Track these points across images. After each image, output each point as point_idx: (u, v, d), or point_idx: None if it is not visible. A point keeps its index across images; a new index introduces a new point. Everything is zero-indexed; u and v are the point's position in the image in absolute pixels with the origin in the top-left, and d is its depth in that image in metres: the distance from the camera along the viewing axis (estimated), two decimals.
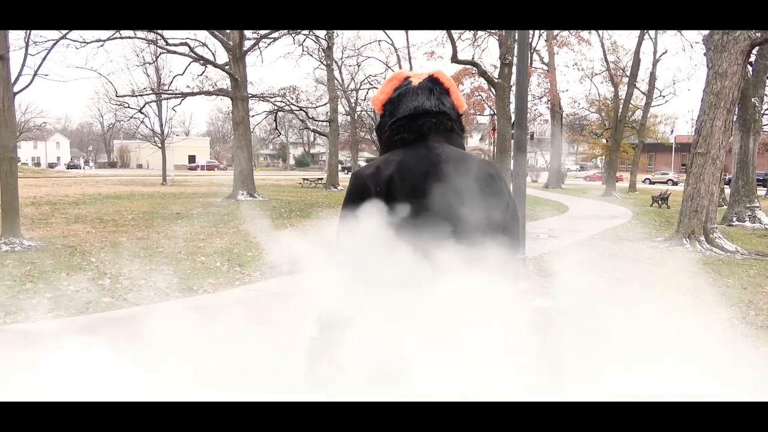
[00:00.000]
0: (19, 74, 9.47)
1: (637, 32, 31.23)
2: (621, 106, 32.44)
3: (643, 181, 48.19)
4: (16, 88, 9.55)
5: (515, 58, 23.46)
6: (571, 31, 28.21)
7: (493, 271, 1.79)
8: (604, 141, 44.17)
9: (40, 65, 9.79)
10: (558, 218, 16.58)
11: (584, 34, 28.45)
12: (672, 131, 57.10)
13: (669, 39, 39.98)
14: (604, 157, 47.81)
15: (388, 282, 1.70)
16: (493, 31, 27.28)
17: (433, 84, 2.03)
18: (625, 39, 34.89)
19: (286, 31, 24.31)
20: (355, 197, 1.88)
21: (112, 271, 7.57)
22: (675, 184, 44.29)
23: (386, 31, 51.33)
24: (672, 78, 36.62)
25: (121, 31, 19.23)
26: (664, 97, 37.51)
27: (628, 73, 32.91)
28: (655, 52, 33.39)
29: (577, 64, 36.20)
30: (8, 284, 6.68)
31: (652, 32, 31.61)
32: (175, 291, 6.51)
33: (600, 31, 31.02)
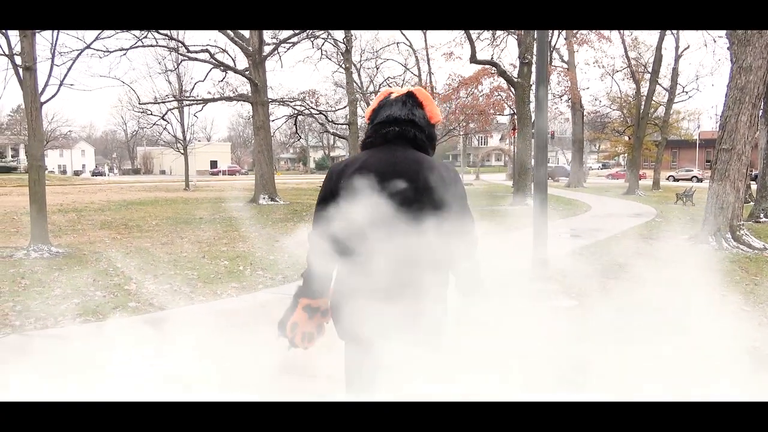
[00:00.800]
0: (46, 84, 9.66)
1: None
2: (643, 102, 32.05)
3: (667, 179, 47.53)
4: (43, 98, 9.74)
5: (535, 57, 23.31)
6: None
7: (455, 256, 2.22)
8: (626, 138, 43.67)
9: (66, 75, 10.00)
10: (580, 217, 16.43)
11: (605, 31, 28.17)
12: (698, 126, 56.35)
13: (691, 34, 39.33)
14: (626, 154, 47.30)
15: (351, 257, 2.16)
16: (512, 30, 27.15)
17: (408, 98, 2.36)
18: (647, 35, 34.43)
19: (305, 35, 24.47)
20: (325, 187, 2.31)
21: (137, 276, 7.68)
22: (700, 180, 43.64)
23: (404, 32, 51.34)
24: (695, 73, 36.11)
25: (143, 40, 19.52)
26: (687, 93, 36.95)
27: (649, 70, 32.50)
28: (677, 48, 32.95)
29: (597, 61, 36.01)
30: (38, 290, 6.82)
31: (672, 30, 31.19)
32: (199, 295, 6.59)
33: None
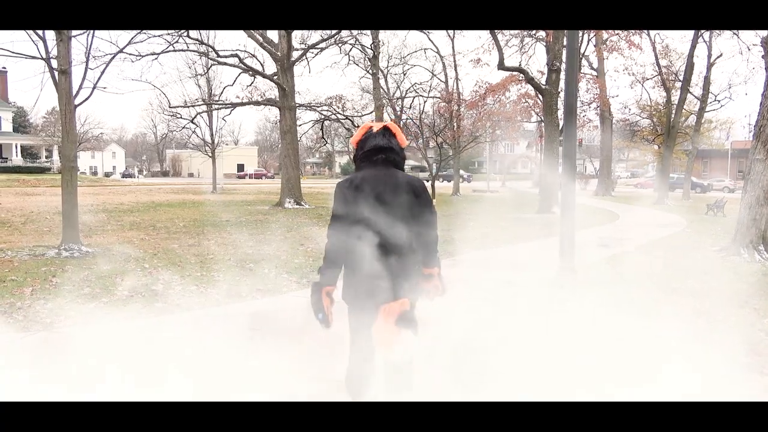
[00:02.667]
0: (80, 87, 9.88)
1: (690, 35, 30.41)
2: (674, 111, 31.54)
3: (696, 190, 46.63)
4: (76, 101, 9.96)
5: (563, 64, 23.10)
6: (622, 35, 27.66)
7: (421, 242, 3.24)
8: (655, 147, 42.98)
9: (99, 78, 10.22)
10: (608, 227, 16.20)
11: (635, 38, 27.84)
12: (728, 137, 55.20)
13: (724, 42, 38.68)
14: (655, 163, 46.53)
15: (352, 237, 3.08)
16: (540, 37, 26.99)
17: (385, 131, 3.33)
18: (678, 43, 33.94)
19: (332, 41, 24.64)
20: (337, 197, 3.22)
21: (164, 277, 7.79)
22: (731, 191, 42.72)
23: (432, 39, 51.14)
24: (728, 82, 35.33)
25: (175, 44, 19.83)
26: (719, 101, 36.25)
27: (680, 78, 31.98)
28: (709, 56, 32.37)
29: (627, 68, 35.47)
30: (67, 289, 6.95)
31: (706, 35, 30.69)
32: (225, 297, 6.64)
33: (652, 35, 30.35)
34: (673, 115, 31.55)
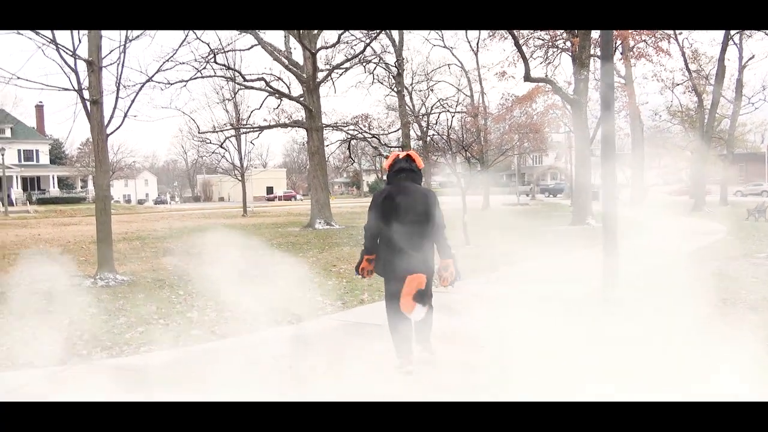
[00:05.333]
0: (111, 116, 10.00)
1: (719, 39, 29.81)
2: (707, 116, 30.84)
3: (735, 194, 45.43)
4: (108, 130, 10.08)
5: (591, 74, 22.76)
6: (649, 42, 27.22)
7: (435, 237, 4.59)
8: (688, 153, 42.08)
9: (130, 107, 10.32)
10: (646, 236, 15.74)
11: (663, 44, 27.35)
12: (762, 139, 53.80)
13: (756, 43, 37.83)
14: (689, 170, 45.52)
15: (388, 235, 4.50)
16: (566, 47, 26.71)
17: (407, 157, 4.74)
18: (707, 47, 33.29)
19: (357, 60, 24.76)
20: (372, 205, 4.65)
21: (199, 303, 7.74)
22: None
23: (455, 54, 51.18)
24: (761, 84, 34.52)
25: (202, 71, 20.13)
26: (753, 104, 35.39)
27: (711, 82, 31.32)
28: (740, 58, 31.71)
29: (656, 75, 34.81)
30: (103, 318, 6.94)
31: (736, 38, 30.07)
32: (260, 323, 6.54)
33: (680, 40, 29.83)
34: (706, 120, 30.84)
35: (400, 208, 4.46)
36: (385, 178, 4.93)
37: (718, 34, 30.12)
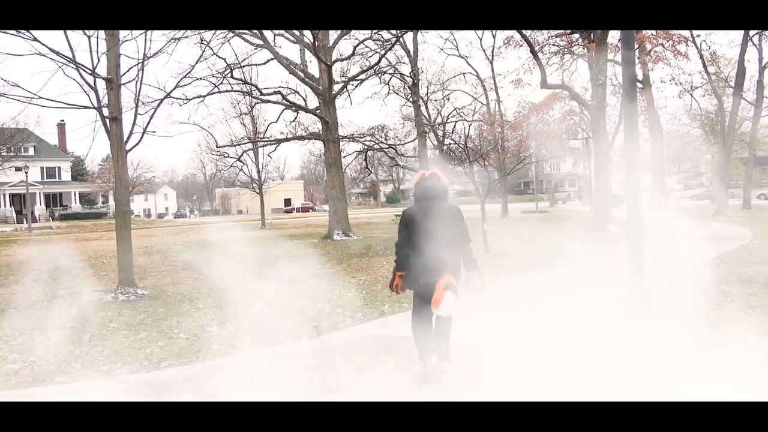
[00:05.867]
0: (131, 133, 10.08)
1: (738, 40, 29.44)
2: (727, 118, 30.40)
3: (758, 197, 44.68)
4: (128, 146, 10.17)
5: (609, 78, 22.55)
6: (666, 45, 26.96)
7: (460, 250, 4.85)
8: (709, 157, 41.51)
9: (148, 123, 10.38)
10: (669, 242, 15.48)
11: (681, 47, 27.07)
12: None
13: None
14: (709, 174, 44.92)
15: (417, 248, 4.71)
16: (582, 53, 26.55)
17: (433, 175, 4.97)
18: (726, 48, 32.86)
19: (372, 71, 24.82)
20: (402, 220, 4.93)
21: (218, 317, 7.73)
22: None
23: (470, 62, 51.07)
24: None
25: (219, 86, 20.31)
26: None
27: (731, 84, 30.91)
28: (760, 59, 31.27)
29: (674, 78, 34.46)
30: (124, 333, 6.95)
31: (755, 38, 29.67)
32: (280, 336, 6.50)
33: (698, 42, 29.50)
34: (726, 123, 30.40)
35: (428, 225, 4.68)
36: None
37: (737, 36, 29.76)
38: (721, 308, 6.40)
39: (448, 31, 33.29)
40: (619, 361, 4.62)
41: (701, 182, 63.62)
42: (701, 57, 30.23)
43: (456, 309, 4.70)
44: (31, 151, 55.06)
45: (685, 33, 28.27)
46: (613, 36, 21.30)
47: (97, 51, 9.59)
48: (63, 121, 62.23)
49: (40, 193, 57.42)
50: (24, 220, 45.94)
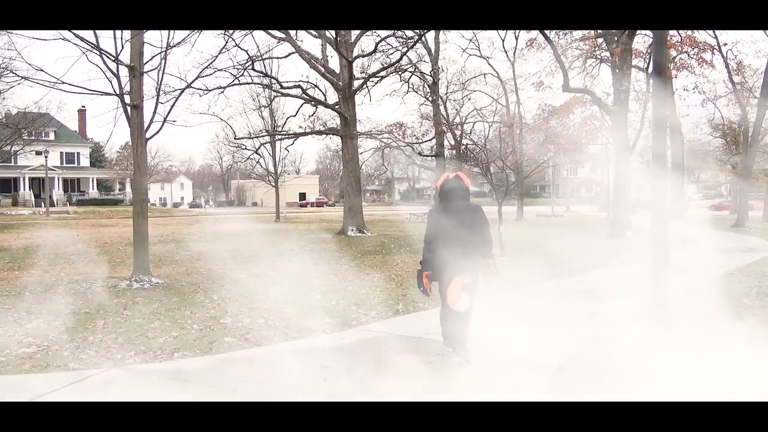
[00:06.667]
0: (151, 121, 10.08)
1: (766, 51, 28.96)
2: (751, 128, 29.94)
3: None
4: (147, 134, 10.17)
5: (631, 84, 22.25)
6: (691, 53, 26.60)
7: (482, 244, 5.27)
8: (729, 167, 40.98)
9: (169, 112, 10.37)
10: (689, 253, 15.27)
11: (706, 55, 26.70)
12: None
13: None
14: (729, 185, 44.33)
15: (442, 245, 5.12)
16: (605, 57, 26.27)
17: (457, 177, 5.39)
18: (753, 58, 32.34)
19: (392, 69, 24.72)
20: (430, 217, 5.37)
21: (232, 309, 7.70)
22: None
23: (492, 63, 50.69)
24: None
25: (240, 78, 20.31)
26: None
27: (756, 95, 30.43)
28: None
29: (697, 87, 34.00)
30: (138, 322, 6.94)
31: None
32: (293, 331, 6.46)
33: (724, 51, 29.08)
34: (750, 133, 29.94)
35: (452, 222, 5.14)
36: (437, 195, 5.69)
37: (764, 46, 29.25)
38: (745, 323, 6.25)
39: (471, 31, 33.10)
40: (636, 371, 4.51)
41: (720, 192, 62.86)
42: (727, 66, 29.80)
43: (471, 306, 5.16)
44: (52, 136, 55.60)
45: (711, 41, 27.91)
46: (638, 42, 21.04)
47: (122, 38, 9.60)
48: (84, 107, 62.81)
49: (58, 178, 58.01)
50: (42, 203, 46.43)
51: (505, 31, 33.59)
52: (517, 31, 33.12)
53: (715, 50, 27.90)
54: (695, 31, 24.79)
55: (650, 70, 28.37)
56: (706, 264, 12.40)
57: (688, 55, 26.86)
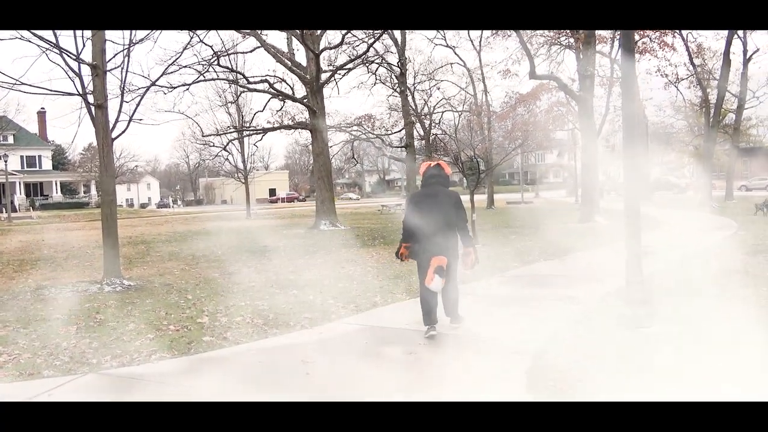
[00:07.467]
0: (116, 120, 9.85)
1: (725, 33, 29.61)
2: (712, 110, 30.66)
3: (739, 188, 45.23)
4: (113, 134, 9.93)
5: (598, 69, 22.53)
6: (653, 36, 27.04)
7: (458, 229, 5.62)
8: (692, 149, 41.91)
9: (135, 111, 10.14)
10: (657, 233, 15.58)
11: (667, 39, 27.17)
12: (766, 134, 53.59)
13: (760, 37, 37.53)
14: (693, 165, 45.36)
15: (418, 227, 5.53)
16: (570, 44, 26.54)
17: (437, 165, 5.95)
18: (712, 41, 33.09)
19: (360, 60, 24.61)
20: (409, 203, 6.13)
21: (208, 308, 7.59)
22: None
23: (458, 53, 50.94)
24: (766, 77, 34.36)
25: (205, 74, 20.00)
26: (758, 98, 35.24)
27: (716, 76, 31.17)
28: (745, 52, 31.56)
29: (660, 70, 34.63)
30: (112, 325, 6.79)
31: (740, 31, 29.87)
32: (272, 327, 6.40)
33: (684, 35, 29.63)
34: (711, 115, 30.65)
35: (431, 206, 5.55)
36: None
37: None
38: (718, 300, 6.38)
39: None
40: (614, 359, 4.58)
41: (684, 174, 64.24)
42: (687, 49, 30.41)
43: (441, 286, 5.49)
44: (11, 140, 54.12)
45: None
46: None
47: (82, 36, 9.34)
48: (43, 108, 61.15)
49: (20, 182, 56.48)
50: (3, 209, 45.17)
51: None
52: None
53: (675, 34, 28.40)
54: None
55: (615, 56, 28.83)
56: (678, 244, 12.66)
57: (650, 39, 27.32)
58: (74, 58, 9.30)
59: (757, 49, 31.90)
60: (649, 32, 26.24)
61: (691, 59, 30.87)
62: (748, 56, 31.34)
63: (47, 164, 60.89)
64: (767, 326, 5.14)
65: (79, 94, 9.53)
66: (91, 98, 9.67)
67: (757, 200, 22.37)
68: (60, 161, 65.88)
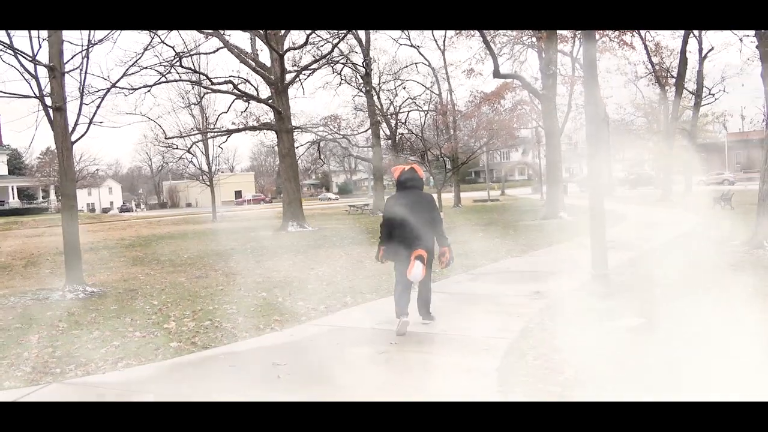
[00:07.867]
0: (76, 123, 9.60)
1: (681, 32, 30.37)
2: (671, 107, 31.42)
3: (697, 183, 46.48)
4: (73, 137, 9.68)
5: (560, 68, 22.88)
6: (612, 35, 27.60)
7: (434, 230, 5.83)
8: (651, 145, 42.88)
9: (95, 113, 9.89)
10: (620, 228, 15.90)
11: (626, 37, 27.76)
12: (722, 129, 55.24)
13: (715, 35, 38.67)
14: (653, 161, 46.48)
15: (398, 228, 5.75)
16: (532, 43, 26.91)
17: (411, 169, 6.11)
18: (670, 39, 33.93)
19: (324, 61, 24.53)
20: (386, 207, 6.11)
21: (175, 313, 7.47)
22: (732, 183, 42.61)
23: (422, 53, 51.05)
24: (721, 75, 35.45)
25: (167, 75, 19.67)
26: (713, 95, 36.29)
27: (674, 74, 31.96)
28: (700, 50, 32.41)
29: (619, 68, 35.38)
30: (75, 333, 6.62)
31: (696, 31, 30.70)
32: (242, 331, 6.32)
33: (643, 33, 30.30)
34: (669, 112, 31.42)
35: (406, 208, 5.75)
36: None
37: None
38: (676, 292, 6.54)
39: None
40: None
41: (644, 170, 65.69)
42: (646, 48, 31.11)
43: (423, 276, 5.70)
44: None
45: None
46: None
47: (38, 37, 9.08)
48: None
49: None
50: None
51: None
52: None
53: (634, 33, 29.03)
54: None
55: (576, 55, 29.34)
56: (640, 238, 12.94)
57: (610, 38, 27.86)
58: (30, 59, 9.04)
59: (712, 48, 32.80)
60: (608, 32, 26.79)
61: (649, 57, 31.61)
62: (704, 54, 32.21)
63: (2, 169, 59.14)
64: (734, 319, 5.28)
65: (36, 97, 9.27)
66: (48, 101, 9.41)
67: (715, 194, 23.01)
68: (16, 165, 64.01)
